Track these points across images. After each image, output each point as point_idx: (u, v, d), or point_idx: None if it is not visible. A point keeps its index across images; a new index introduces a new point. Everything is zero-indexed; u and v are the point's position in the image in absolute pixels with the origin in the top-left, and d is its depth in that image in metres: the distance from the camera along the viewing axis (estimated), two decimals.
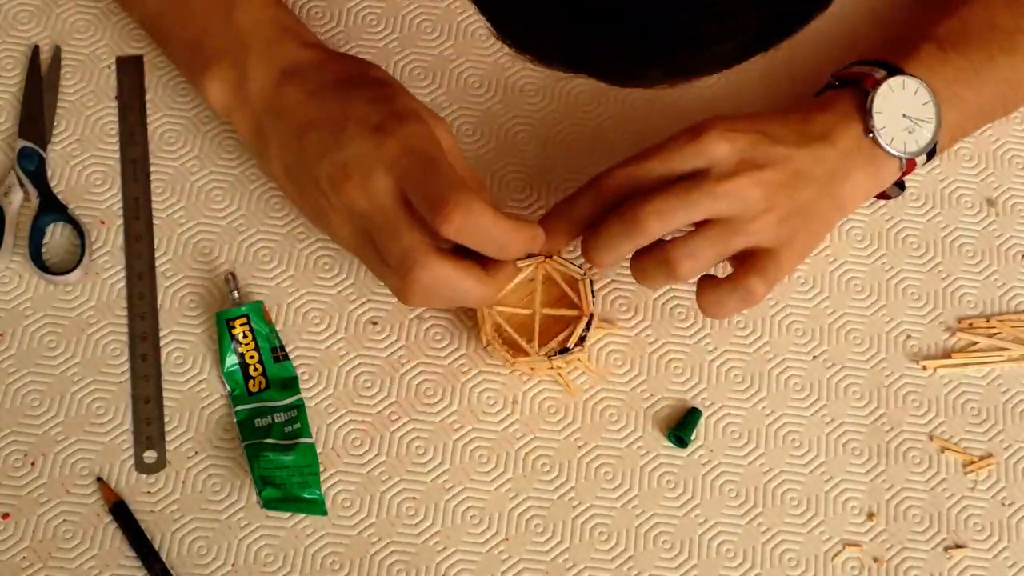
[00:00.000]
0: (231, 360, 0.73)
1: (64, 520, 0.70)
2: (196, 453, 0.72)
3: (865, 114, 0.72)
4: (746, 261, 0.69)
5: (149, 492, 0.71)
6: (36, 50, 0.81)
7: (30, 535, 0.70)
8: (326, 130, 0.67)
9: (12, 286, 0.76)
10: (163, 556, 0.69)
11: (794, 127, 0.72)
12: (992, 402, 0.75)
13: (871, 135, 0.72)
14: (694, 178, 0.68)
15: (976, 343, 0.77)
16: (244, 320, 0.73)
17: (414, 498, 0.72)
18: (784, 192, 0.69)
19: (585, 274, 0.73)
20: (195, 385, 0.74)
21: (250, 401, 0.72)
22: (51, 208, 0.77)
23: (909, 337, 0.77)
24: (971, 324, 0.77)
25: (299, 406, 0.72)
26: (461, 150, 0.70)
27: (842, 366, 0.76)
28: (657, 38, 0.47)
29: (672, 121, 0.82)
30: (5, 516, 0.70)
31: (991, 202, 0.81)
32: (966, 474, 0.73)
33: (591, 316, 0.72)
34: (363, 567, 0.70)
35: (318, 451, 0.72)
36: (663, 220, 0.67)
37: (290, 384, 0.73)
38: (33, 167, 0.78)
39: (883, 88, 0.72)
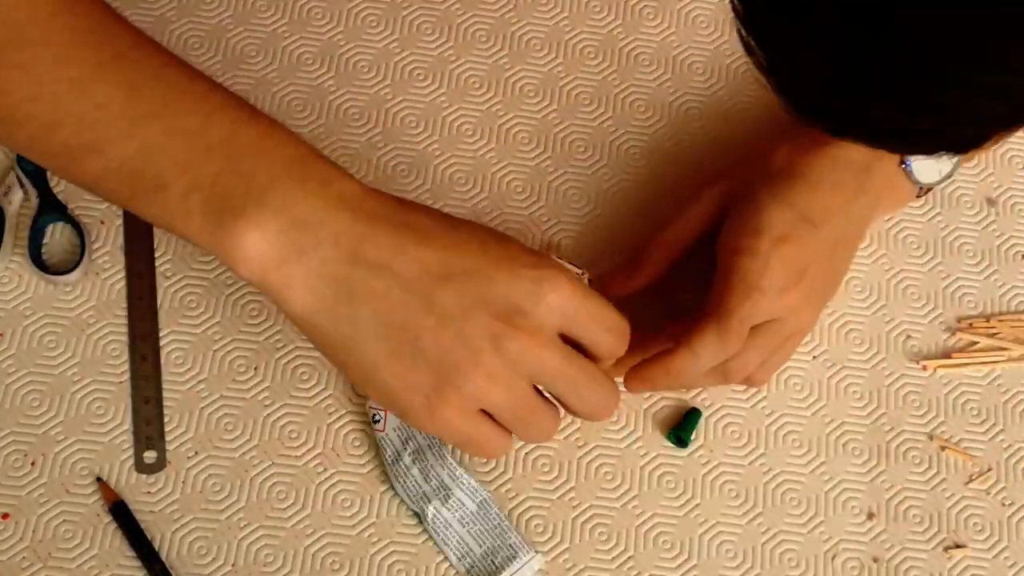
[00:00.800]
0: None
1: (64, 520, 0.70)
2: (196, 453, 0.72)
3: None
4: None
5: (149, 492, 0.71)
6: None
7: (30, 535, 0.70)
8: (471, 277, 0.58)
9: (12, 286, 0.76)
10: (163, 556, 0.69)
11: (835, 183, 0.70)
12: (992, 402, 0.75)
13: (904, 166, 0.72)
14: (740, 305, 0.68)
15: (976, 343, 0.77)
16: None
17: None
18: (822, 278, 0.70)
19: (583, 272, 0.73)
20: (195, 385, 0.74)
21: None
22: (51, 208, 0.77)
23: (909, 337, 0.77)
24: (971, 324, 0.77)
25: None
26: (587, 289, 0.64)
27: (842, 366, 0.76)
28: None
29: (672, 121, 0.82)
30: (5, 516, 0.70)
31: (991, 202, 0.81)
32: (967, 484, 0.73)
33: None
34: (363, 567, 0.70)
35: (317, 452, 0.72)
36: (754, 364, 0.70)
37: None
38: (33, 167, 0.78)
39: None
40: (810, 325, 0.72)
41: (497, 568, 0.68)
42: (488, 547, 0.69)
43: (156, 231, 0.77)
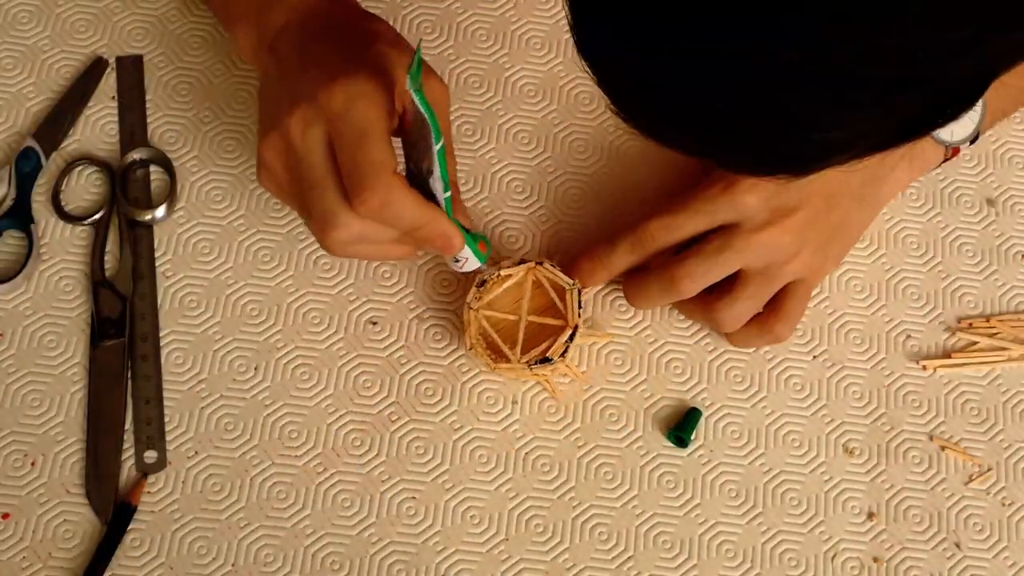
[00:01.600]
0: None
1: (64, 520, 0.70)
2: (196, 453, 0.72)
3: None
4: (775, 300, 0.73)
5: (149, 492, 0.71)
6: (98, 62, 0.82)
7: (30, 535, 0.70)
8: (303, 68, 0.66)
9: (12, 285, 0.76)
10: (163, 556, 0.69)
11: None
12: (992, 402, 0.75)
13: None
14: (726, 232, 0.71)
15: (976, 343, 0.77)
16: None
17: (414, 498, 0.72)
18: (816, 226, 0.71)
19: (574, 284, 0.73)
20: (195, 385, 0.74)
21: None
22: (17, 215, 0.77)
23: (909, 337, 0.77)
24: (971, 324, 0.77)
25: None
26: (447, 113, 0.68)
27: (842, 366, 0.76)
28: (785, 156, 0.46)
29: None
30: (5, 516, 0.70)
31: (991, 202, 0.81)
32: (967, 484, 0.73)
33: (575, 328, 0.72)
34: (363, 567, 0.70)
35: (317, 452, 0.72)
36: (697, 282, 0.71)
37: None
38: (29, 169, 0.78)
39: None
40: (815, 275, 0.73)
41: None
42: None
43: (156, 231, 0.77)
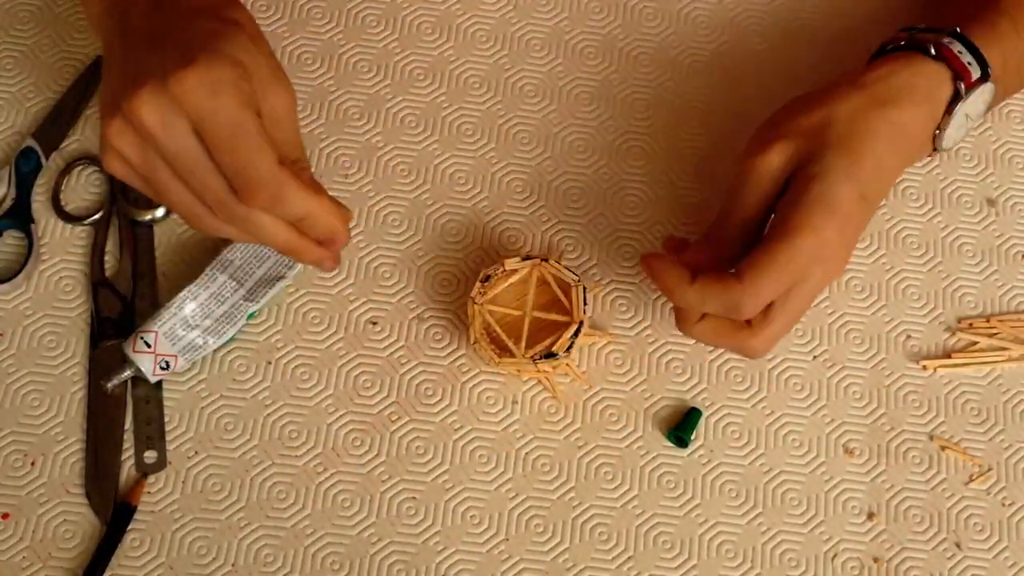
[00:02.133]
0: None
1: (64, 520, 0.70)
2: (196, 453, 0.72)
3: (947, 110, 0.70)
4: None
5: (149, 492, 0.71)
6: (99, 61, 0.82)
7: (30, 535, 0.70)
8: (152, 43, 0.61)
9: (12, 285, 0.76)
10: (163, 556, 0.69)
11: (893, 153, 0.69)
12: (992, 402, 0.75)
13: (936, 131, 0.71)
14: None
15: (976, 343, 0.77)
16: None
17: (414, 498, 0.72)
18: (853, 229, 0.68)
19: (579, 280, 0.73)
20: (195, 385, 0.74)
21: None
22: (17, 215, 0.77)
23: (909, 337, 0.77)
24: (971, 324, 0.77)
25: None
26: (296, 117, 0.64)
27: (842, 366, 0.76)
28: None
29: (671, 121, 0.82)
30: (5, 516, 0.70)
31: (991, 202, 0.81)
32: (967, 484, 0.73)
33: (580, 324, 0.72)
34: (363, 567, 0.70)
35: (317, 452, 0.72)
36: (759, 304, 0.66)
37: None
38: (29, 169, 0.78)
39: (974, 92, 0.70)
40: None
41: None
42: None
43: (157, 231, 0.77)
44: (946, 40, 0.71)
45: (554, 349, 0.71)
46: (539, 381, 0.74)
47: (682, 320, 0.68)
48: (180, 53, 0.59)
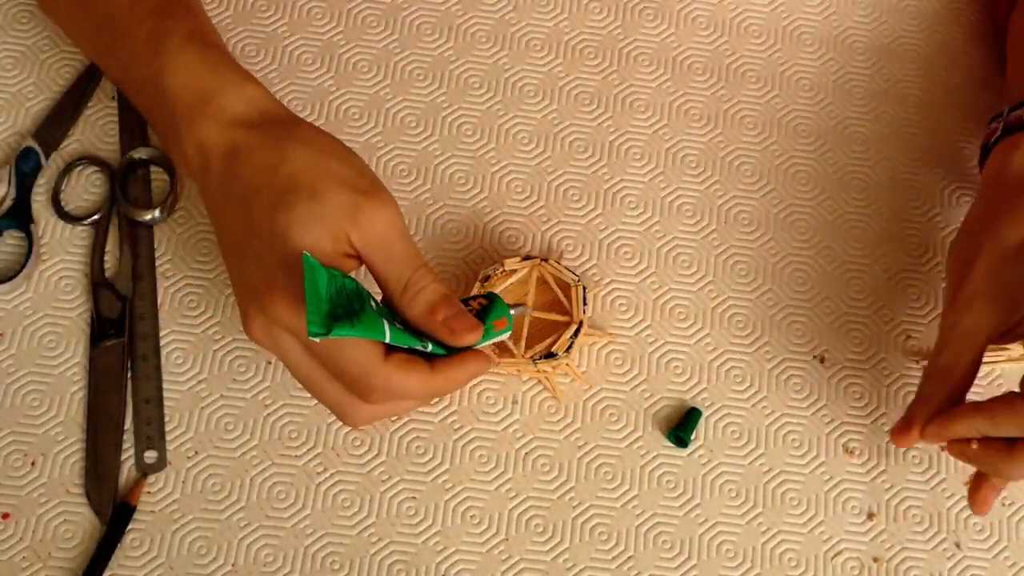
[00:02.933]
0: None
1: (64, 520, 0.70)
2: (196, 453, 0.72)
3: None
4: None
5: (149, 492, 0.71)
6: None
7: (30, 535, 0.70)
8: (242, 236, 0.62)
9: (12, 285, 0.76)
10: (163, 556, 0.69)
11: None
12: None
13: None
14: None
15: None
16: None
17: (414, 498, 0.72)
18: None
19: (579, 280, 0.73)
20: (195, 385, 0.74)
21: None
22: (17, 215, 0.77)
23: (909, 337, 0.77)
24: None
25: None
26: (405, 229, 0.63)
27: (842, 366, 0.76)
28: None
29: (671, 121, 0.82)
30: (5, 516, 0.70)
31: None
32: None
33: (580, 324, 0.72)
34: (363, 567, 0.70)
35: (317, 452, 0.72)
36: None
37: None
38: (28, 169, 0.78)
39: None
40: None
41: None
42: None
43: (156, 232, 0.77)
44: None
45: (554, 349, 0.71)
46: (539, 381, 0.74)
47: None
48: (263, 273, 0.60)
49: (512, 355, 0.72)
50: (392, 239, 0.61)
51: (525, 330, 0.73)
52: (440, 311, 0.61)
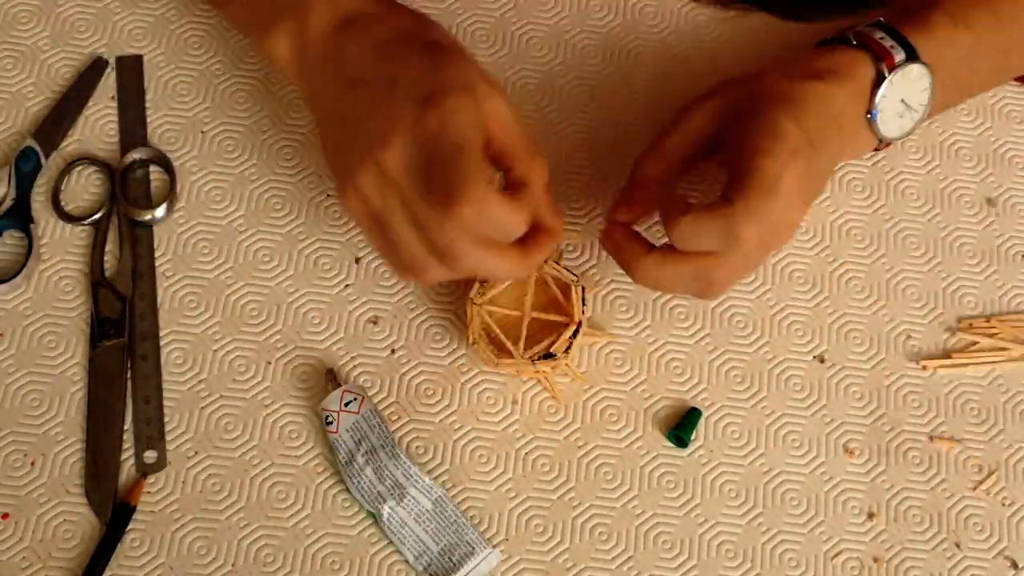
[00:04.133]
0: None
1: (64, 520, 0.70)
2: (196, 453, 0.72)
3: (872, 92, 0.71)
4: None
5: (149, 492, 0.71)
6: (98, 61, 0.82)
7: (30, 535, 0.70)
8: (376, 89, 0.65)
9: (12, 285, 0.76)
10: (163, 556, 0.70)
11: (826, 115, 0.70)
12: (992, 402, 0.75)
13: (869, 116, 0.72)
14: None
15: (976, 343, 0.77)
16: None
17: None
18: (801, 170, 0.68)
19: (578, 281, 0.73)
20: (195, 385, 0.74)
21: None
22: (15, 214, 0.77)
23: (909, 337, 0.77)
24: (971, 324, 0.77)
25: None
26: (518, 117, 0.66)
27: (842, 366, 0.76)
28: None
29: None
30: (5, 516, 0.70)
31: (991, 202, 0.81)
32: (973, 490, 0.73)
33: (579, 324, 0.72)
34: (363, 567, 0.70)
35: (317, 452, 0.72)
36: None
37: None
38: (28, 169, 0.78)
39: (898, 74, 0.71)
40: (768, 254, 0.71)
41: (455, 565, 0.68)
42: (445, 544, 0.69)
43: (156, 231, 0.77)
44: (867, 29, 0.73)
45: (553, 350, 0.71)
46: (538, 381, 0.74)
47: (633, 265, 0.70)
48: (419, 90, 0.63)
49: (511, 356, 0.72)
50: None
51: (524, 330, 0.73)
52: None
